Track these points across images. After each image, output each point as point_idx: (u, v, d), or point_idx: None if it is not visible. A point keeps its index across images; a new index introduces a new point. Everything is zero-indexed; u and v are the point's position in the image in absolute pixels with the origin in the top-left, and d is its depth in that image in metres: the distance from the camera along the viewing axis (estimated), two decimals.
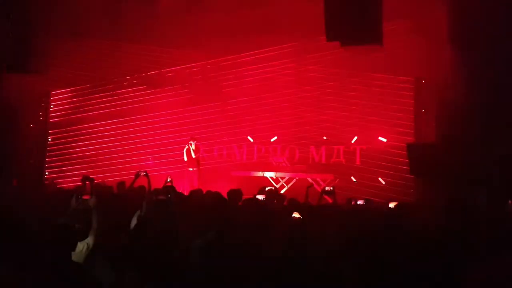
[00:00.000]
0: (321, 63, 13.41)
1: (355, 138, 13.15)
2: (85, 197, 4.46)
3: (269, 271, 3.94)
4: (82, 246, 3.98)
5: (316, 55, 13.30)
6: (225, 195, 6.83)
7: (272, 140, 13.67)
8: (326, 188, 7.34)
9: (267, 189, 7.55)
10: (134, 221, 4.45)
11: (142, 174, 7.92)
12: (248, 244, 4.32)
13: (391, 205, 6.93)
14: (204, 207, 5.91)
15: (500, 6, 8.83)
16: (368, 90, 13.00)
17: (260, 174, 13.30)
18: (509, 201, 6.29)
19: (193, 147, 13.04)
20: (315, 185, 12.77)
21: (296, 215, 5.63)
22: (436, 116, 11.22)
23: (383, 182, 12.74)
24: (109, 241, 4.22)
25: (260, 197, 7.06)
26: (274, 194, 7.45)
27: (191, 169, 13.02)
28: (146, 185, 7.61)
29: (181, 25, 12.90)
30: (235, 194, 6.88)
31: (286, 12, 12.11)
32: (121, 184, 8.63)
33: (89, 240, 4.09)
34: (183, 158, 13.17)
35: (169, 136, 14.30)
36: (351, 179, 12.98)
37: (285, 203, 7.52)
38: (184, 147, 13.16)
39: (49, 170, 14.93)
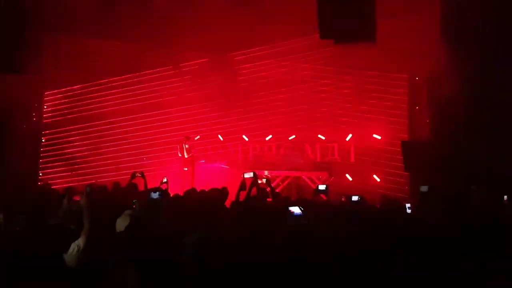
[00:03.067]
0: (315, 61, 13.39)
1: (350, 136, 13.15)
2: (77, 197, 4.43)
3: (263, 270, 3.93)
4: (73, 248, 3.95)
5: (310, 53, 13.28)
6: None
7: (267, 138, 13.61)
8: (320, 187, 7.34)
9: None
10: (121, 220, 4.41)
11: (138, 174, 7.91)
12: (242, 242, 4.31)
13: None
14: (197, 205, 5.90)
15: (493, 3, 8.85)
16: (362, 88, 13.00)
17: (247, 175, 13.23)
18: (505, 197, 6.29)
19: (186, 146, 13.02)
20: (310, 183, 12.79)
21: (296, 210, 5.61)
22: (430, 113, 11.25)
23: (378, 179, 12.75)
24: (101, 241, 4.20)
25: (248, 175, 7.07)
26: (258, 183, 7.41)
27: (186, 169, 12.99)
28: (142, 185, 7.60)
29: (175, 24, 12.86)
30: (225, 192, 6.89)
31: (279, 10, 12.08)
32: (116, 185, 8.60)
33: (80, 241, 4.06)
34: (178, 154, 13.16)
35: (164, 135, 14.26)
36: (346, 177, 12.98)
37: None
38: (179, 145, 13.16)
39: (42, 171, 14.86)
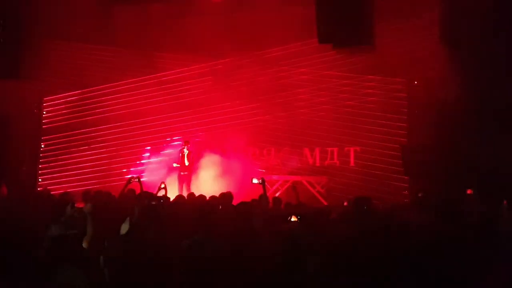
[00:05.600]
0: (314, 66, 13.39)
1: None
2: (80, 204, 4.46)
3: (259, 274, 3.94)
4: None
5: (309, 57, 13.29)
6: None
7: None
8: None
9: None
10: (125, 227, 4.44)
11: (134, 180, 7.89)
12: (237, 247, 4.31)
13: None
14: (194, 210, 5.91)
15: (492, 7, 8.89)
16: (361, 92, 13.01)
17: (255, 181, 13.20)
18: (504, 202, 6.32)
19: (186, 151, 12.98)
20: (309, 186, 12.79)
21: (293, 218, 5.62)
22: (429, 117, 11.26)
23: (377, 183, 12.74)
24: (103, 247, 4.22)
25: (256, 180, 7.14)
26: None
27: (183, 173, 12.93)
28: (138, 190, 7.59)
29: (171, 30, 12.89)
30: (226, 197, 6.92)
31: (278, 15, 12.13)
32: (108, 194, 8.58)
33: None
34: (176, 162, 13.09)
35: (162, 141, 14.25)
36: (346, 181, 12.96)
37: (281, 206, 7.55)
38: (179, 150, 13.12)
39: (42, 177, 14.84)
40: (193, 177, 13.02)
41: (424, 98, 11.75)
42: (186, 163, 12.89)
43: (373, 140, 12.86)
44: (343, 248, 4.11)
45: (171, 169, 13.23)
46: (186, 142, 13.12)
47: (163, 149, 14.18)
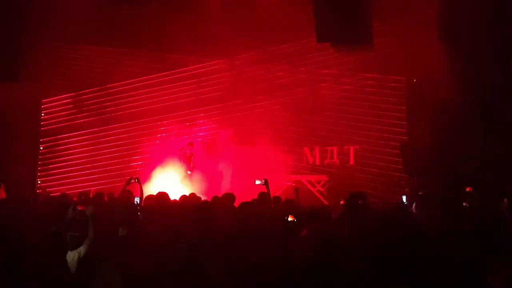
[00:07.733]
0: (313, 65, 13.38)
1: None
2: (81, 207, 4.47)
3: (258, 275, 3.94)
4: (73, 255, 4.00)
5: (307, 56, 13.28)
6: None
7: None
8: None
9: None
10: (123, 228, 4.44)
11: (133, 180, 7.90)
12: (236, 248, 4.31)
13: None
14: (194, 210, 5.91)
15: (491, 5, 8.90)
16: (360, 90, 12.99)
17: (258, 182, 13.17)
18: (505, 200, 6.31)
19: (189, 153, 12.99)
20: (309, 186, 12.78)
21: (290, 218, 5.62)
22: (429, 115, 11.26)
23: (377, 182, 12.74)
24: (102, 249, 4.23)
25: (258, 182, 7.17)
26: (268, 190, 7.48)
27: (189, 172, 12.95)
28: (137, 191, 7.60)
29: (171, 29, 12.88)
30: (228, 197, 6.92)
31: (276, 14, 12.11)
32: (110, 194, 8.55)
33: (82, 249, 4.10)
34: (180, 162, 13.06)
35: (162, 141, 14.24)
36: (346, 180, 12.95)
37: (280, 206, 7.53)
38: (181, 152, 13.08)
39: (41, 179, 14.83)
40: (194, 178, 13.01)
41: (423, 96, 11.74)
42: (190, 164, 12.92)
43: (372, 138, 12.85)
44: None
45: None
46: (190, 144, 13.13)
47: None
